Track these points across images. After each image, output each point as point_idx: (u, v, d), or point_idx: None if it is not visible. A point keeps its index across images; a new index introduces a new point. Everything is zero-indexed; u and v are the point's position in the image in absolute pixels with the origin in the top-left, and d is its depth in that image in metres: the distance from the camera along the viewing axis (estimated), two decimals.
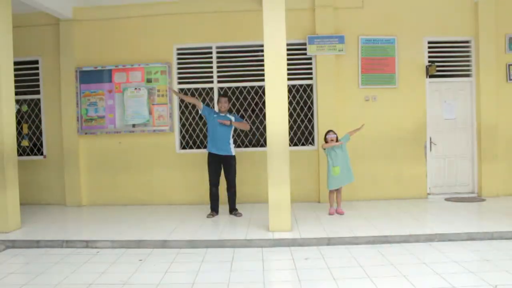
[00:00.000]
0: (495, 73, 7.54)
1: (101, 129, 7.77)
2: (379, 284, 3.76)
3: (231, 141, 6.50)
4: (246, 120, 7.67)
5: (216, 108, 7.13)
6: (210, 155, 6.49)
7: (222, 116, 6.45)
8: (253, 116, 7.78)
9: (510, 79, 7.60)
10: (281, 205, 5.50)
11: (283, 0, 5.49)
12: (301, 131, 7.78)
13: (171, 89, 7.02)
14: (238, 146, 7.76)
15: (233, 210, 6.60)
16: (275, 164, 5.49)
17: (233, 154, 6.50)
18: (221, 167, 6.52)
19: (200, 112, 6.62)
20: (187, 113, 7.83)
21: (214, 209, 6.61)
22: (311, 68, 7.67)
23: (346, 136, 6.56)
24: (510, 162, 7.63)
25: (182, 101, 7.78)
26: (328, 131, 6.47)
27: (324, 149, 6.49)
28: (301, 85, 7.71)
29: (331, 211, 6.47)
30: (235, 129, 6.79)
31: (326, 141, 6.45)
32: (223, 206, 6.91)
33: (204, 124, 7.83)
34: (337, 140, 6.36)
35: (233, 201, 6.63)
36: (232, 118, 6.48)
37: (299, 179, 7.40)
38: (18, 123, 7.93)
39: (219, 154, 6.41)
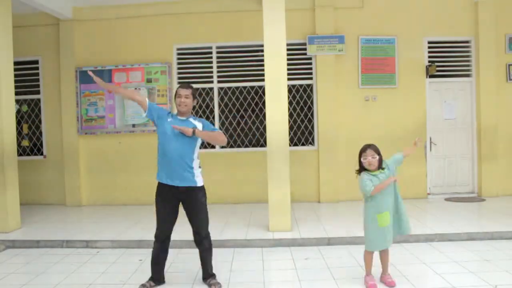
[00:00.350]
0: (495, 73, 7.54)
1: (101, 129, 7.77)
2: (378, 284, 3.76)
3: (196, 163, 3.82)
4: (220, 129, 6.15)
5: (173, 108, 4.47)
6: (161, 186, 3.79)
7: (181, 121, 3.82)
8: (253, 116, 7.78)
9: (510, 79, 7.60)
10: (281, 205, 5.50)
11: (283, 0, 5.49)
12: (301, 131, 7.78)
13: (92, 75, 3.87)
14: (238, 146, 7.74)
15: (208, 276, 3.94)
16: (275, 164, 5.49)
17: (200, 184, 3.81)
18: (177, 206, 3.83)
19: (144, 114, 3.90)
20: None
21: (155, 278, 3.92)
22: (311, 68, 7.67)
23: (399, 158, 3.86)
24: (510, 162, 7.63)
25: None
26: (367, 147, 3.73)
27: (367, 189, 3.68)
28: (301, 85, 7.71)
29: (368, 282, 3.73)
30: (203, 142, 4.23)
31: (361, 165, 3.79)
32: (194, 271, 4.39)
33: (207, 117, 7.85)
34: (380, 164, 3.73)
35: (207, 262, 3.95)
36: (199, 125, 3.83)
37: (299, 179, 7.39)
38: (18, 123, 7.93)
39: (174, 185, 3.72)
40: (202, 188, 3.84)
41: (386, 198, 3.69)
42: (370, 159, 3.67)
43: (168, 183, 3.72)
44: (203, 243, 3.89)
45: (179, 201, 3.79)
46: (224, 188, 7.58)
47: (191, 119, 3.87)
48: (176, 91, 3.88)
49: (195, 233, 3.88)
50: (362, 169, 3.77)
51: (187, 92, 3.83)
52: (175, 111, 3.95)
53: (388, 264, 3.85)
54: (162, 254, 3.91)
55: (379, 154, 3.70)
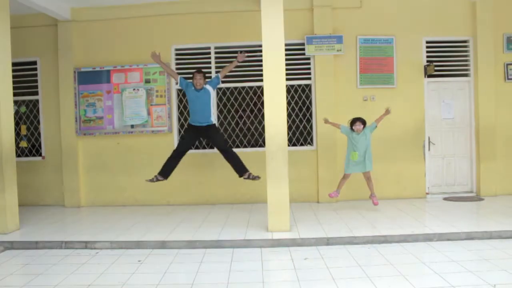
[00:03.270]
0: (493, 73, 7.55)
1: (99, 129, 7.77)
2: (378, 284, 3.77)
3: (213, 111, 6.21)
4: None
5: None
6: (190, 126, 6.20)
7: (198, 91, 6.04)
8: (252, 116, 7.78)
9: (508, 79, 7.61)
10: (280, 205, 5.50)
11: (281, 1, 5.49)
12: (300, 131, 7.78)
13: (155, 56, 6.22)
14: (237, 146, 7.76)
15: (245, 171, 6.11)
16: (274, 164, 5.49)
17: (214, 122, 6.17)
18: (198, 139, 6.70)
19: (177, 85, 6.86)
20: (185, 113, 7.82)
21: (163, 173, 6.20)
22: (309, 68, 7.67)
23: (373, 125, 6.52)
24: (508, 161, 7.64)
25: (180, 101, 7.78)
26: (356, 120, 6.44)
27: (341, 131, 6.68)
28: (299, 85, 7.71)
29: (332, 194, 6.71)
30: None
31: (352, 129, 6.50)
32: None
33: None
34: (362, 130, 6.44)
35: (237, 162, 6.10)
36: (210, 89, 6.11)
37: (298, 179, 7.40)
38: (17, 124, 7.91)
39: (198, 125, 6.06)
40: (215, 125, 6.22)
41: (358, 143, 6.44)
42: (358, 127, 6.44)
43: (195, 125, 6.08)
44: (229, 151, 6.13)
45: (199, 135, 6.29)
46: (223, 188, 7.58)
47: (205, 86, 6.09)
48: (193, 75, 6.10)
49: (221, 150, 6.13)
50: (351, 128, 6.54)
51: (200, 76, 6.05)
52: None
53: (372, 187, 6.66)
54: (174, 159, 6.17)
55: (364, 124, 6.48)
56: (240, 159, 6.11)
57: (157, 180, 6.12)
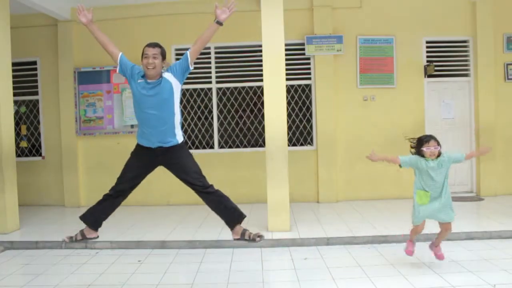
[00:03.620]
0: (493, 73, 7.54)
1: (99, 130, 7.77)
2: (378, 284, 3.77)
3: (178, 120, 3.62)
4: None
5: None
6: (138, 147, 3.69)
7: (153, 86, 3.51)
8: (252, 116, 7.78)
9: (508, 79, 7.61)
10: (280, 205, 5.50)
11: (281, 1, 5.49)
12: (300, 131, 7.78)
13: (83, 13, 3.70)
14: (236, 146, 7.74)
15: (235, 221, 3.69)
16: (274, 164, 5.49)
17: (179, 140, 3.62)
18: (152, 168, 3.76)
19: (116, 70, 3.82)
20: (185, 113, 7.82)
21: (95, 223, 3.78)
22: (309, 68, 7.67)
23: (459, 157, 4.06)
24: (508, 162, 7.64)
25: (180, 101, 7.76)
26: (429, 138, 4.01)
27: (400, 166, 4.16)
28: (299, 85, 7.71)
29: (408, 248, 4.28)
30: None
31: (420, 152, 4.02)
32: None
33: (206, 118, 7.85)
34: (438, 155, 3.97)
35: (229, 209, 3.71)
36: (172, 80, 3.55)
37: (298, 179, 7.39)
38: (17, 124, 7.90)
39: (152, 147, 3.57)
40: (183, 143, 3.71)
41: (432, 180, 3.96)
42: (433, 149, 3.94)
43: (148, 146, 3.60)
44: (210, 191, 3.71)
45: (154, 162, 3.67)
46: (223, 188, 7.46)
47: (164, 76, 3.53)
48: (143, 51, 3.57)
49: (197, 186, 3.70)
50: (418, 153, 4.06)
51: (155, 51, 3.52)
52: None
53: (440, 239, 4.21)
54: (112, 198, 3.83)
55: (439, 145, 4.00)
56: (232, 202, 3.78)
57: (83, 238, 3.73)
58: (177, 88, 3.56)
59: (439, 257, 4.21)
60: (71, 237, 3.69)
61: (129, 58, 3.87)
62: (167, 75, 3.53)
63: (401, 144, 7.52)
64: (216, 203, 3.68)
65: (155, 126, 3.46)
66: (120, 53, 3.71)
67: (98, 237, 3.77)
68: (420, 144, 4.02)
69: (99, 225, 3.76)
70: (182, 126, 3.87)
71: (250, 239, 3.58)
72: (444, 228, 4.13)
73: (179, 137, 3.59)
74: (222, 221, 3.80)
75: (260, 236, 3.57)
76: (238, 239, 3.66)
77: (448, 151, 4.12)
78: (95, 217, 3.74)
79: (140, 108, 3.50)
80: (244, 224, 3.75)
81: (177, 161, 3.60)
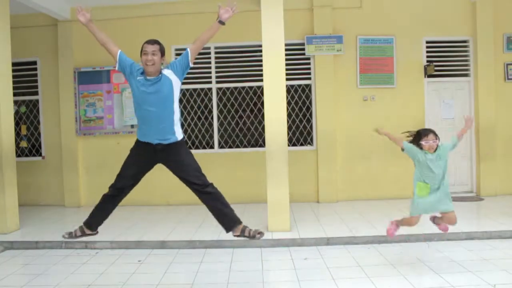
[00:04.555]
0: (493, 73, 7.55)
1: (99, 129, 7.77)
2: (378, 284, 3.77)
3: (178, 117, 3.61)
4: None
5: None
6: (138, 144, 3.65)
7: (153, 83, 3.52)
8: (252, 116, 7.78)
9: (508, 79, 7.61)
10: (280, 205, 5.50)
11: (281, 1, 5.49)
12: (300, 131, 7.78)
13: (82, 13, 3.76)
14: (236, 146, 7.75)
15: (233, 223, 3.64)
16: (274, 164, 5.49)
17: (178, 137, 3.59)
18: (152, 165, 3.71)
19: (115, 67, 3.84)
20: (185, 113, 7.82)
21: (92, 224, 3.71)
22: (309, 68, 7.67)
23: (454, 141, 4.12)
24: (508, 161, 7.64)
25: (180, 100, 7.77)
26: (428, 132, 4.05)
27: (403, 149, 4.29)
28: (299, 85, 7.71)
29: (391, 226, 4.25)
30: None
31: (419, 145, 4.07)
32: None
33: (206, 118, 7.85)
34: (436, 149, 3.99)
35: (226, 212, 3.68)
36: (172, 78, 3.58)
37: (298, 179, 7.39)
38: (17, 124, 7.90)
39: (151, 143, 3.54)
40: (182, 141, 3.69)
41: (433, 171, 3.96)
42: (432, 143, 3.96)
43: (148, 141, 3.58)
44: (209, 190, 3.74)
45: (154, 158, 3.62)
46: (223, 188, 7.44)
47: (164, 72, 3.55)
48: (142, 48, 3.62)
49: (194, 184, 3.71)
50: (416, 145, 4.10)
51: (154, 48, 3.56)
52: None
53: (447, 224, 4.17)
54: (112, 197, 3.75)
55: (438, 139, 4.03)
56: (227, 202, 3.75)
57: (82, 234, 3.73)
58: (177, 85, 3.56)
59: (443, 229, 4.29)
60: (70, 233, 3.72)
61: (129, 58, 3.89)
62: (167, 72, 3.55)
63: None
64: (214, 207, 3.71)
65: (155, 123, 3.46)
66: (119, 50, 3.75)
67: (97, 233, 3.79)
68: (418, 137, 4.07)
69: (100, 224, 3.78)
70: (182, 126, 3.90)
71: (250, 236, 3.58)
72: (448, 219, 4.11)
73: (179, 134, 3.57)
74: None
75: (260, 233, 3.58)
76: (238, 236, 3.64)
77: (443, 142, 4.12)
78: (96, 219, 3.73)
79: (140, 105, 3.51)
80: (244, 224, 3.73)
81: (176, 158, 3.58)
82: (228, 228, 3.66)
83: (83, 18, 3.71)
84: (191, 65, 3.65)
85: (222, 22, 3.79)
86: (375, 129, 4.51)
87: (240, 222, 3.63)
